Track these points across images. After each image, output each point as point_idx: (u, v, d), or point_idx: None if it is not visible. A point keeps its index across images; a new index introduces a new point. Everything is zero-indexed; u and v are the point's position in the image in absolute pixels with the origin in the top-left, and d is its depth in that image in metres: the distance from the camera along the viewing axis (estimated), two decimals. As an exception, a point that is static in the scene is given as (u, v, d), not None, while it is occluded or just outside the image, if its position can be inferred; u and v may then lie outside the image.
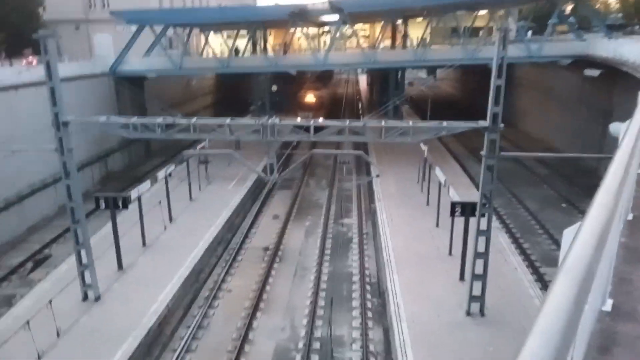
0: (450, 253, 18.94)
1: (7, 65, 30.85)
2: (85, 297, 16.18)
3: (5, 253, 22.01)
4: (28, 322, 13.42)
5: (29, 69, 26.68)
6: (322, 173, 34.66)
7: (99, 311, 15.63)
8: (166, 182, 22.84)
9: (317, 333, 15.91)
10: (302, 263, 21.00)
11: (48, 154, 16.34)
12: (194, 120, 15.10)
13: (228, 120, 15.11)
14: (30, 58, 32.95)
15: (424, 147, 24.80)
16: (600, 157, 28.39)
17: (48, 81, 14.00)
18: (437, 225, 21.64)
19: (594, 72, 29.58)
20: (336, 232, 24.31)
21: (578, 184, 29.48)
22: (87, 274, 16.05)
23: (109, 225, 19.28)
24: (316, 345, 15.29)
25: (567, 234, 2.59)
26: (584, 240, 2.08)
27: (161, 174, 22.38)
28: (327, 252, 21.91)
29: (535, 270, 19.43)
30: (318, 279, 19.35)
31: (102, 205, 17.50)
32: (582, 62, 30.94)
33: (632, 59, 23.47)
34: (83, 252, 15.83)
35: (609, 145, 27.26)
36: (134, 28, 35.45)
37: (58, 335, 14.17)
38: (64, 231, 23.21)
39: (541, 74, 41.15)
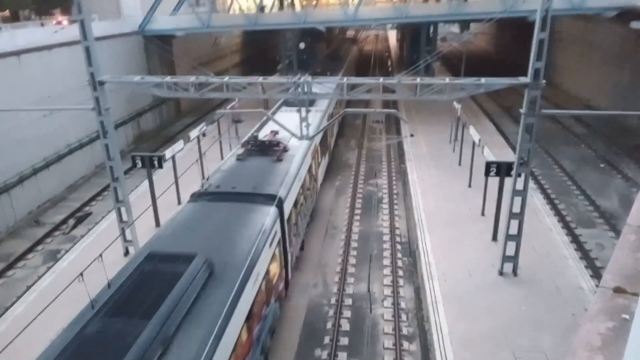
0: (482, 213, 18.77)
1: (39, 26, 31.09)
2: (126, 253, 16.87)
3: (47, 210, 22.98)
4: (82, 275, 14.11)
5: (63, 28, 26.81)
6: (351, 133, 34.37)
7: (139, 265, 16.26)
8: (198, 142, 23.10)
9: (349, 290, 16.23)
10: (333, 222, 21.21)
11: (82, 114, 16.69)
12: (226, 78, 15.02)
13: (260, 79, 14.98)
14: (60, 18, 33.08)
15: (457, 106, 24.18)
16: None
17: (83, 40, 14.05)
18: (470, 185, 21.37)
19: (642, 25, 27.84)
20: (366, 192, 24.32)
21: (618, 143, 28.44)
22: (127, 231, 16.68)
23: (144, 184, 19.82)
24: (348, 301, 15.65)
25: None
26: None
27: (194, 133, 22.59)
28: (357, 211, 22.02)
29: (570, 232, 19.13)
30: (348, 237, 19.58)
31: (139, 164, 17.95)
32: (628, 14, 29.06)
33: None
34: (123, 210, 16.39)
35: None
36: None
37: (109, 286, 14.89)
38: (102, 189, 23.98)
39: (582, 28, 38.95)
